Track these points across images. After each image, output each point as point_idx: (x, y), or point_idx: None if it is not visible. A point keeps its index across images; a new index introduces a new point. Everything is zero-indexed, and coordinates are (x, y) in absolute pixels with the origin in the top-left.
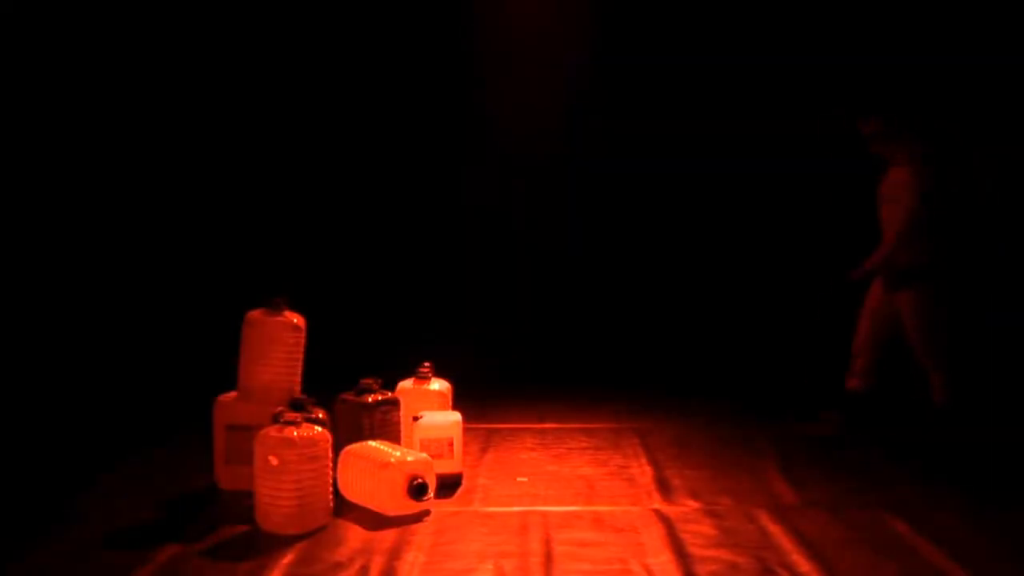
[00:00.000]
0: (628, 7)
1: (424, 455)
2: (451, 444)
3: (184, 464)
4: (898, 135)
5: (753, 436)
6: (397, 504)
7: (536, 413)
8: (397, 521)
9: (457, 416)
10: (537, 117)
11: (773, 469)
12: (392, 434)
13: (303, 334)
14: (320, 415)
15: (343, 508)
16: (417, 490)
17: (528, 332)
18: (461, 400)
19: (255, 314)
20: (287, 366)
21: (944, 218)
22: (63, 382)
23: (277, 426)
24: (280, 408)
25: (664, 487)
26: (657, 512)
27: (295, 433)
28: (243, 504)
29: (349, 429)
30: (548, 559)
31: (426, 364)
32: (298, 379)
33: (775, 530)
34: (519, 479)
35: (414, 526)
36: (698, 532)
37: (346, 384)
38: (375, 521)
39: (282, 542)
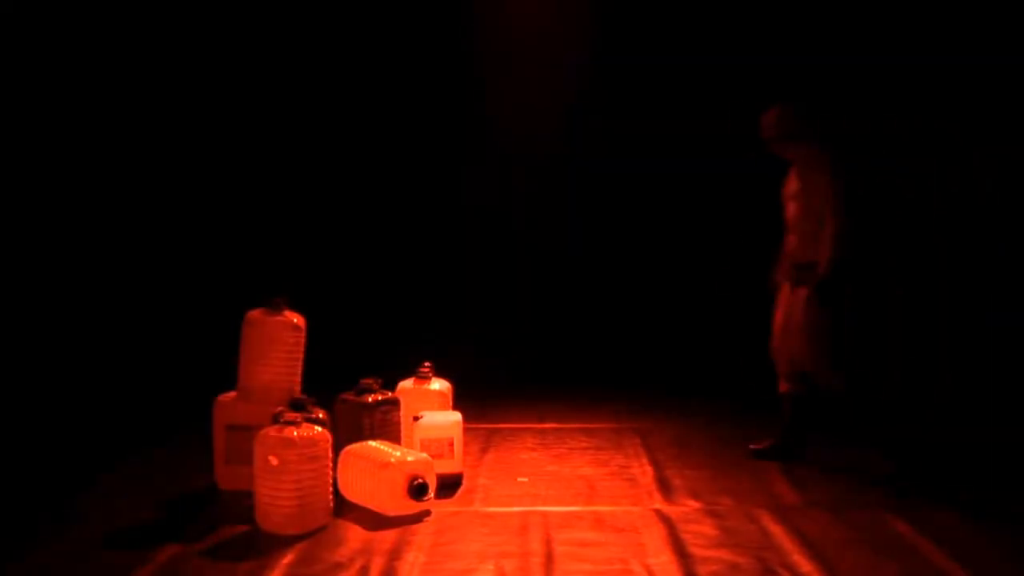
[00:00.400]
0: (628, 7)
1: (424, 455)
2: (451, 444)
3: (184, 464)
4: (799, 135)
5: (753, 436)
6: (397, 504)
7: (536, 413)
8: (397, 521)
9: (457, 416)
10: (537, 117)
11: (774, 469)
12: (392, 434)
13: (303, 334)
14: (320, 415)
15: (343, 508)
16: (417, 490)
17: (528, 332)
18: (461, 400)
19: (255, 314)
20: (287, 366)
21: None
22: (63, 382)
23: (277, 426)
24: (280, 408)
25: (665, 487)
26: (658, 512)
27: (295, 433)
28: (243, 504)
29: (349, 429)
30: (549, 559)
31: (426, 364)
32: (298, 379)
33: (776, 530)
34: (520, 479)
35: (414, 526)
36: (699, 532)
37: (346, 384)
38: (375, 521)
39: (282, 542)
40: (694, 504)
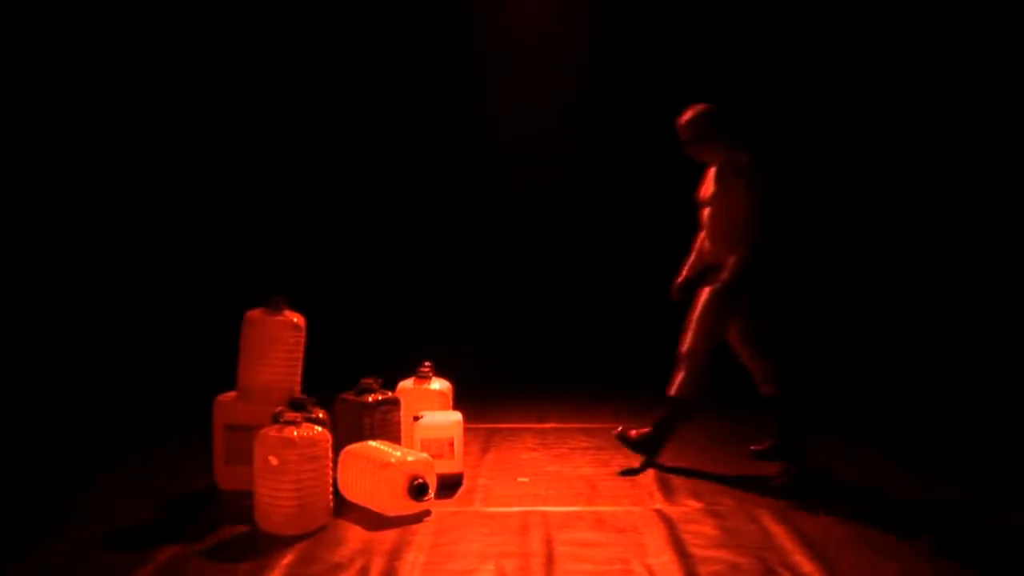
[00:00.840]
0: (628, 7)
1: (424, 455)
2: (452, 444)
3: (184, 464)
4: (715, 139)
5: (753, 436)
6: (397, 504)
7: (537, 413)
8: (397, 521)
9: (458, 416)
10: (537, 117)
11: (774, 469)
12: (392, 434)
13: (303, 334)
14: (320, 415)
15: (343, 508)
16: (417, 490)
17: (528, 332)
18: (462, 400)
19: (255, 314)
20: (287, 366)
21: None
22: (63, 382)
23: (277, 426)
24: (280, 408)
25: (665, 487)
26: (659, 512)
27: (295, 433)
28: (243, 504)
29: (349, 429)
30: (549, 559)
31: (426, 364)
32: (298, 379)
33: (777, 530)
34: (520, 479)
35: (414, 526)
36: (700, 532)
37: (346, 384)
38: (375, 521)
39: (282, 542)
40: (695, 504)
